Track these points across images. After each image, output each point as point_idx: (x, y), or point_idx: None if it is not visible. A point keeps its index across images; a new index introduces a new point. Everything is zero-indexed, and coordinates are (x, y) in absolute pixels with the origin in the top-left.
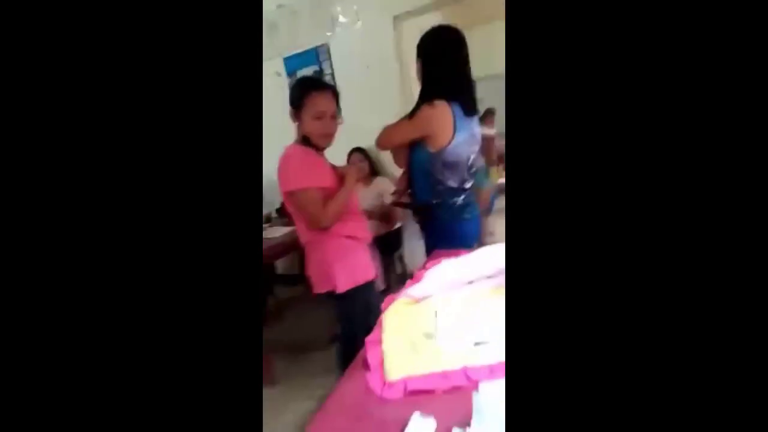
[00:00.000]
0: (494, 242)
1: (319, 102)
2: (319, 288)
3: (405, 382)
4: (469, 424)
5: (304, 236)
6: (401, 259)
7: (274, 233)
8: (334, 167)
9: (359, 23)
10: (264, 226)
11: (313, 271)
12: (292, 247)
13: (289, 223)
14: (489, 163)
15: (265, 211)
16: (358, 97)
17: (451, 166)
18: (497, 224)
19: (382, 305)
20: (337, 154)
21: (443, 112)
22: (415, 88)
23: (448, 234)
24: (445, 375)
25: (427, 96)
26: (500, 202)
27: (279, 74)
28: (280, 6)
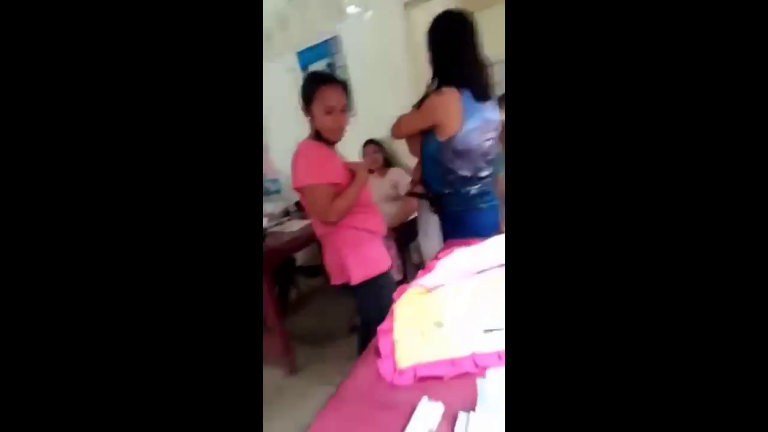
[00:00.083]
0: None
1: (328, 96)
2: (335, 280)
3: (415, 369)
4: (474, 409)
5: (319, 229)
6: (418, 249)
7: (292, 227)
8: (346, 162)
9: (369, 13)
10: (283, 219)
11: (328, 263)
12: (311, 239)
13: (308, 216)
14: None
15: (284, 206)
16: (371, 88)
17: (462, 154)
18: None
19: (395, 295)
20: (351, 145)
21: (450, 99)
22: (428, 77)
23: (463, 224)
24: (453, 362)
25: (436, 84)
26: None
27: (293, 70)
28: (290, 0)
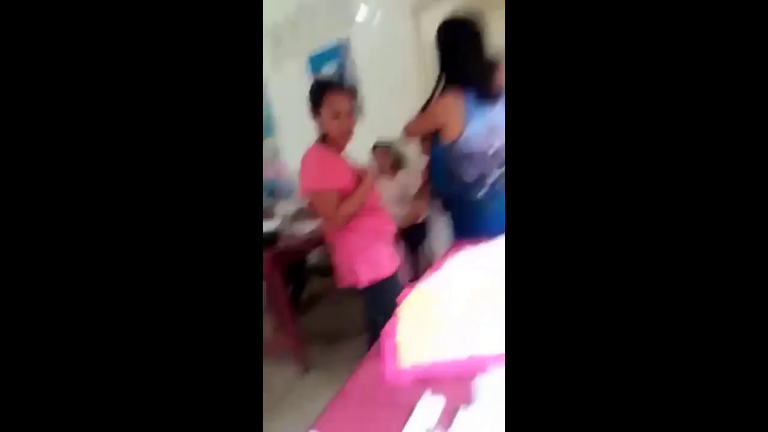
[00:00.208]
0: None
1: (335, 101)
2: (343, 282)
3: (416, 369)
4: (471, 408)
5: (329, 231)
6: (428, 250)
7: (304, 228)
8: (353, 166)
9: (378, 18)
10: (295, 220)
11: (338, 264)
12: (323, 240)
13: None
14: None
15: (296, 207)
16: (381, 91)
17: (467, 157)
18: None
19: (400, 296)
20: (360, 148)
21: (452, 103)
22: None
23: (471, 225)
24: (454, 363)
25: (442, 84)
26: None
27: (305, 74)
28: (300, 6)
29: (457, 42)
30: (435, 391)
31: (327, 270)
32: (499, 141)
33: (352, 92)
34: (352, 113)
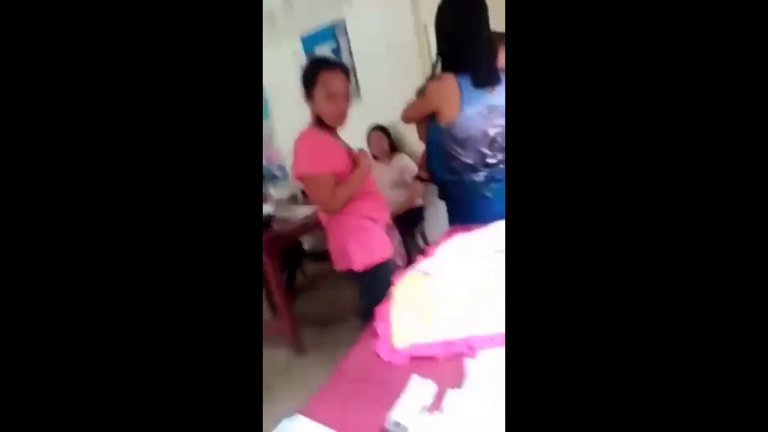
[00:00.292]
0: None
1: (330, 81)
2: (339, 265)
3: (410, 348)
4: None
5: (323, 216)
6: (423, 235)
7: (299, 212)
8: (349, 149)
9: None
10: (290, 205)
11: (332, 249)
12: (317, 225)
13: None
14: None
15: (291, 191)
16: (377, 73)
17: (463, 141)
18: None
19: (394, 279)
20: (357, 132)
21: (447, 85)
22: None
23: (467, 211)
24: (448, 343)
25: (440, 67)
26: None
27: (295, 53)
28: None
29: (459, 21)
30: (427, 372)
31: (321, 254)
32: (499, 124)
33: (347, 72)
34: (347, 94)
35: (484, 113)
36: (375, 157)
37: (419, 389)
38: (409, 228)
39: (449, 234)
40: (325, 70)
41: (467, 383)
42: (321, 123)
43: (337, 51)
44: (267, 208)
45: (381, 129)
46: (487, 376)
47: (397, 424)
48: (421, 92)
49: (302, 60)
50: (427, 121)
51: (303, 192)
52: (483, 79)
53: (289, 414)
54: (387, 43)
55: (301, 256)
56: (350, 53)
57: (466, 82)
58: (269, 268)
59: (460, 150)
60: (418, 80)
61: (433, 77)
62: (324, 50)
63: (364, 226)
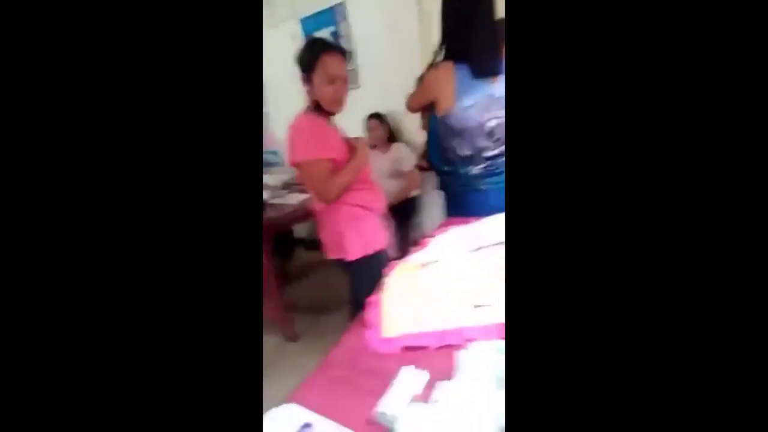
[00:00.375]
0: None
1: (330, 65)
2: (332, 254)
3: (401, 338)
4: (451, 379)
5: (317, 205)
6: (419, 226)
7: (292, 199)
8: (345, 137)
9: None
10: (283, 192)
11: (326, 238)
12: (311, 212)
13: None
14: None
15: (284, 178)
16: (377, 60)
17: (459, 132)
18: None
19: (386, 269)
20: (354, 119)
21: (443, 75)
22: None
23: (463, 203)
24: (440, 334)
25: (442, 56)
26: None
27: (294, 36)
28: None
29: (463, 8)
30: (418, 362)
31: (314, 243)
32: (499, 115)
33: (346, 57)
34: (346, 79)
35: (482, 104)
36: (372, 146)
37: (410, 379)
38: (404, 219)
39: (444, 226)
40: (326, 53)
41: (458, 374)
42: (317, 108)
43: (336, 35)
44: None
45: (378, 117)
46: (479, 367)
47: (384, 414)
48: (420, 81)
49: (300, 42)
50: (428, 110)
51: (297, 179)
52: (484, 69)
53: (279, 399)
54: (389, 30)
55: (293, 244)
56: (350, 38)
57: (464, 71)
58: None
59: (455, 141)
60: (419, 69)
61: (432, 66)
62: (323, 34)
63: (360, 216)
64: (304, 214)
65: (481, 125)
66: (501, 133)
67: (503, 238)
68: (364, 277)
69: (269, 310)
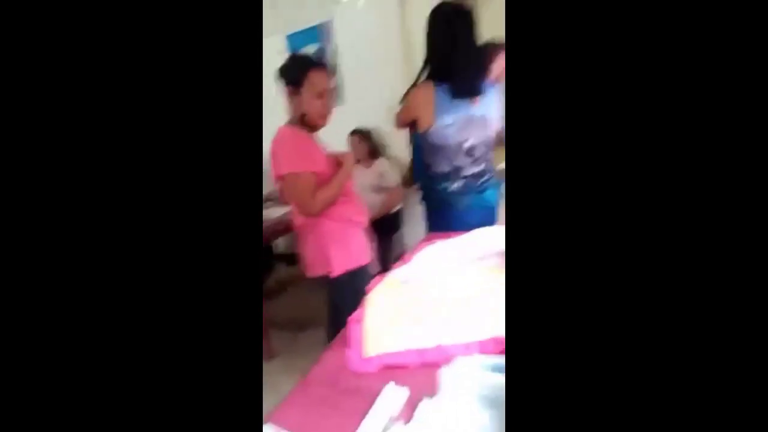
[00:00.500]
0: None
1: (319, 80)
2: (314, 271)
3: (382, 357)
4: (435, 397)
5: (299, 219)
6: (400, 240)
7: (271, 214)
8: (329, 152)
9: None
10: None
11: (308, 253)
12: (291, 227)
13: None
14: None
15: (264, 191)
16: (361, 77)
17: (438, 149)
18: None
19: (369, 285)
20: (339, 135)
21: (423, 94)
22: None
23: (441, 219)
24: (420, 352)
25: (426, 75)
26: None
27: (281, 52)
28: None
29: (445, 30)
30: (399, 380)
31: (293, 258)
32: (477, 135)
33: (332, 73)
34: (332, 95)
35: (460, 123)
36: (356, 161)
37: (391, 398)
38: (387, 234)
39: (426, 241)
40: (315, 69)
41: (441, 392)
42: (302, 122)
43: (321, 52)
44: None
45: (362, 133)
46: (462, 384)
47: None
48: (404, 99)
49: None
50: (412, 127)
51: (279, 192)
52: (463, 90)
53: None
54: (373, 48)
55: (273, 258)
56: (336, 55)
57: (443, 92)
58: None
59: (434, 158)
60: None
61: (415, 85)
62: (309, 50)
63: (344, 230)
64: (284, 228)
65: (460, 144)
66: (480, 153)
67: (484, 254)
68: (347, 293)
69: None
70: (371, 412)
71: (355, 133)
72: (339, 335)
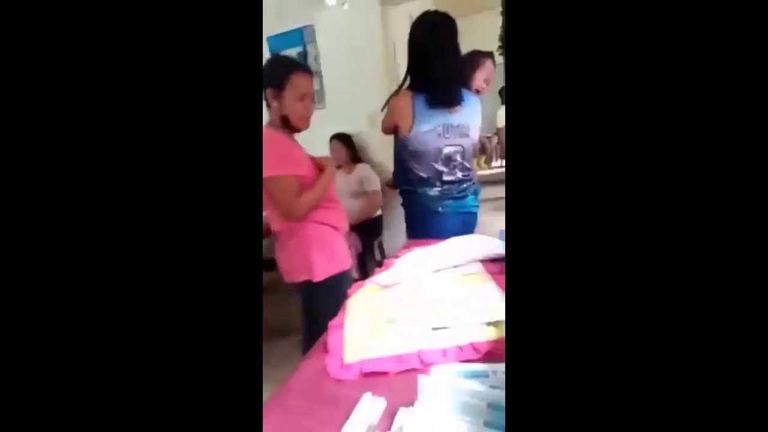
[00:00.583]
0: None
1: (301, 83)
2: (293, 276)
3: (361, 364)
4: (414, 405)
5: (277, 223)
6: (381, 246)
7: None
8: (310, 156)
9: (346, 5)
10: None
11: (287, 258)
12: (266, 232)
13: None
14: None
15: None
16: (341, 82)
17: (417, 155)
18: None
19: (349, 291)
20: (320, 138)
21: (402, 102)
22: (401, 74)
23: (421, 224)
24: (399, 358)
25: (407, 83)
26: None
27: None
28: None
29: (425, 40)
30: (378, 388)
31: (270, 263)
32: (457, 143)
33: (313, 76)
34: (313, 98)
35: (438, 131)
36: (336, 166)
37: (369, 407)
38: (367, 239)
39: (407, 247)
40: (297, 72)
41: (419, 400)
42: (283, 125)
43: (303, 56)
44: None
45: (342, 137)
46: (439, 392)
47: None
48: (385, 106)
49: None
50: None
51: None
52: (440, 100)
53: None
54: (355, 54)
55: None
56: (318, 59)
57: (420, 100)
58: None
59: (414, 163)
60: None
61: (395, 93)
62: (290, 54)
63: (326, 235)
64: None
65: (438, 150)
66: (458, 160)
67: (464, 260)
68: (329, 297)
69: None
70: (349, 422)
71: (336, 138)
72: (317, 344)
